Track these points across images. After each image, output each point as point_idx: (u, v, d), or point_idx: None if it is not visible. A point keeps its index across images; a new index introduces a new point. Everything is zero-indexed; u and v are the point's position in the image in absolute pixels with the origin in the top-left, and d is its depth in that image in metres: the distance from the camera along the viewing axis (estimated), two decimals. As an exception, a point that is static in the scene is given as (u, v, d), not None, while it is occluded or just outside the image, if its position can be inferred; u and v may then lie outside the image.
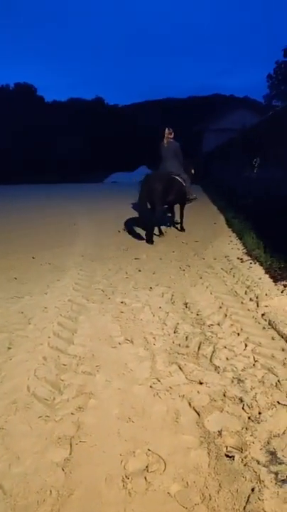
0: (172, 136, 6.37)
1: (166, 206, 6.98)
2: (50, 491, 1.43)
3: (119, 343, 2.60)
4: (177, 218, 7.35)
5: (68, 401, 1.97)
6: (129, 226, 7.38)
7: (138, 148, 40.29)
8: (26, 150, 36.92)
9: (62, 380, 2.16)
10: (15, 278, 4.19)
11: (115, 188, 22.97)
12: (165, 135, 6.31)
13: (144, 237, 6.13)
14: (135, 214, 9.46)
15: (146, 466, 1.52)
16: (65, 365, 2.33)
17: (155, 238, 6.13)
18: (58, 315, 3.13)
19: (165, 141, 6.33)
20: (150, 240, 5.91)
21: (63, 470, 1.53)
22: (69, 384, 2.12)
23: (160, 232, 6.67)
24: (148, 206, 6.27)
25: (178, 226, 7.14)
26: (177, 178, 6.28)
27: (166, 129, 6.33)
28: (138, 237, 6.33)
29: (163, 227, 6.92)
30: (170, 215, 7.63)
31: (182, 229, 6.97)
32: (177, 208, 7.30)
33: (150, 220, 6.10)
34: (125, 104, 54.85)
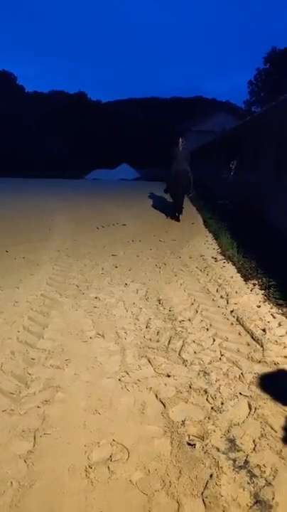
0: (184, 143, 8.41)
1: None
2: (11, 483, 1.42)
3: (90, 338, 2.61)
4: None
5: (35, 394, 1.96)
6: (108, 222, 7.41)
7: (120, 146, 40.12)
8: (1, 141, 35.76)
9: (30, 374, 2.14)
10: (-13, 272, 4.11)
11: (95, 184, 22.81)
12: (180, 143, 8.33)
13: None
14: (114, 211, 9.48)
15: (110, 456, 1.54)
16: (33, 359, 2.31)
17: (129, 237, 6.21)
18: (29, 309, 3.09)
19: (180, 147, 8.32)
20: (178, 219, 8.15)
21: (25, 462, 1.52)
22: (36, 378, 2.11)
23: (180, 214, 8.43)
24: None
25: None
26: (189, 175, 8.28)
27: (180, 139, 8.40)
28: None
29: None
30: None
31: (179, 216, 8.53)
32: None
33: (178, 206, 8.36)
34: (108, 101, 54.24)
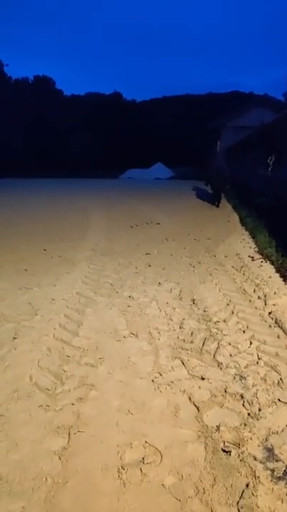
0: (221, 145, 11.48)
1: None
2: (46, 479, 1.45)
3: (124, 337, 2.61)
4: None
5: (69, 391, 1.99)
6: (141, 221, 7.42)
7: (155, 145, 40.01)
8: (40, 143, 36.91)
9: (65, 371, 2.18)
10: (25, 269, 4.25)
11: (130, 184, 22.95)
12: (218, 145, 11.91)
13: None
14: (148, 210, 9.48)
15: (142, 458, 1.52)
16: (68, 356, 2.35)
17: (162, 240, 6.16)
18: (65, 307, 3.16)
19: (218, 148, 11.84)
20: (217, 205, 10.06)
21: (60, 458, 1.54)
22: (71, 375, 2.14)
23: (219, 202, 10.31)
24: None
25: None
26: (226, 171, 10.47)
27: (218, 142, 12.06)
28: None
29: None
30: None
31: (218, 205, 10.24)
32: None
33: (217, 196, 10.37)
34: (143, 100, 53.87)
